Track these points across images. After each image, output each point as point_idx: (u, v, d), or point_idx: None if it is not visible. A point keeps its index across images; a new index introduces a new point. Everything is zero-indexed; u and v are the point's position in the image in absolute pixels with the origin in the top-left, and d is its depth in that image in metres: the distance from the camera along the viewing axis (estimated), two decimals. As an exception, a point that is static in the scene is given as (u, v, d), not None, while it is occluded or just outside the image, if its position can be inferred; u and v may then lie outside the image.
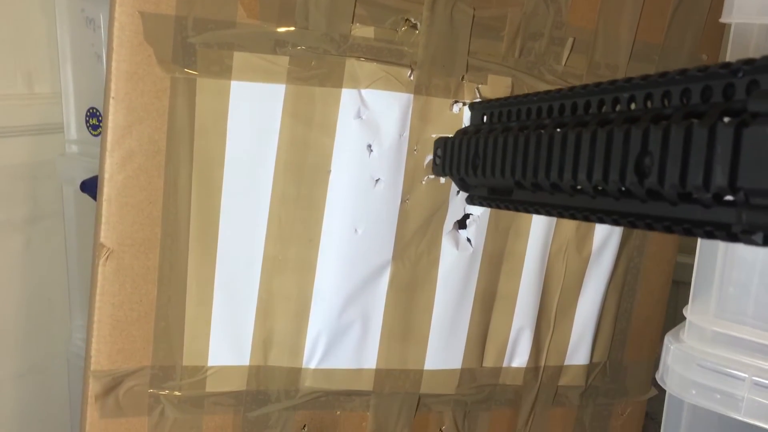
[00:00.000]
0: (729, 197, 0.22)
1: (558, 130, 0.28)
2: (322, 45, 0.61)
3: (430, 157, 0.66)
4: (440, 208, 0.68)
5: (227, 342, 0.64)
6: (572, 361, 0.79)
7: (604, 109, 0.28)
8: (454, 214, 0.69)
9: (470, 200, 0.36)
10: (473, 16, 0.66)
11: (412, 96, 0.65)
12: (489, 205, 0.36)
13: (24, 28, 0.88)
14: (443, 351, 0.72)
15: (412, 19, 0.64)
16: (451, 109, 0.66)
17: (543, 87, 0.70)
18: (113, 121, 0.57)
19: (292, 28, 0.61)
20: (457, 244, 0.69)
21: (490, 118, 0.34)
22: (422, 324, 0.70)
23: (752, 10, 0.59)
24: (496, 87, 0.68)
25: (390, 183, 0.65)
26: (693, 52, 0.77)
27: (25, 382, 0.94)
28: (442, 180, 0.67)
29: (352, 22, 0.62)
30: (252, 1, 0.59)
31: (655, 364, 0.72)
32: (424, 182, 0.67)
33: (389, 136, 0.64)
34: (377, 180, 0.65)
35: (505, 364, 0.76)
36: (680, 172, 0.23)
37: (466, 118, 0.66)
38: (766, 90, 0.21)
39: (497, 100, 0.34)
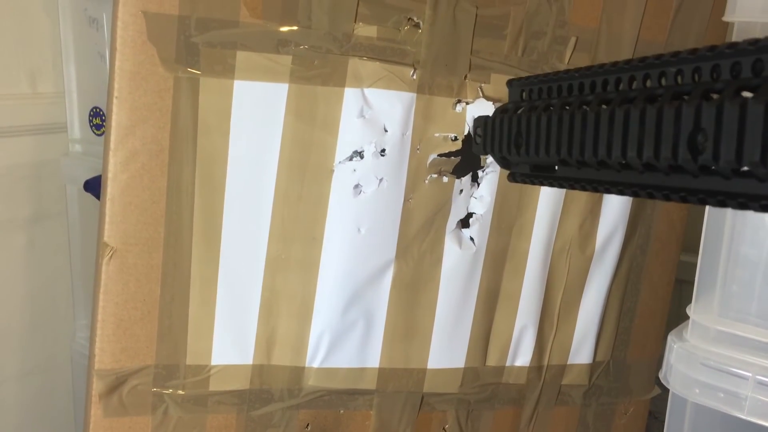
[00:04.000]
0: None
1: (604, 107, 0.27)
2: (325, 44, 0.61)
3: (433, 156, 0.66)
4: (443, 207, 0.68)
5: (231, 341, 0.64)
6: (575, 360, 0.79)
7: (648, 83, 0.28)
8: (457, 213, 0.69)
9: (512, 177, 0.35)
10: (476, 15, 0.66)
11: (415, 95, 0.65)
12: (532, 182, 0.35)
13: (27, 27, 0.88)
14: (446, 350, 0.72)
15: (415, 18, 0.64)
16: (454, 108, 0.66)
17: (546, 86, 0.70)
18: (116, 120, 0.57)
19: (295, 28, 0.61)
20: (460, 242, 0.69)
21: (529, 95, 0.34)
22: (425, 323, 0.70)
23: (754, 9, 0.59)
24: (499, 86, 0.68)
25: (393, 182, 0.65)
26: (696, 51, 0.77)
27: (30, 381, 0.94)
28: (445, 178, 0.67)
29: (355, 21, 0.62)
30: (255, 0, 0.59)
31: (659, 363, 0.72)
32: (426, 181, 0.67)
33: (392, 135, 0.64)
34: (380, 179, 0.65)
35: (508, 363, 0.76)
36: (736, 149, 0.22)
37: (468, 117, 0.66)
38: None
39: (536, 76, 0.33)
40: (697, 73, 0.26)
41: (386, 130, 0.64)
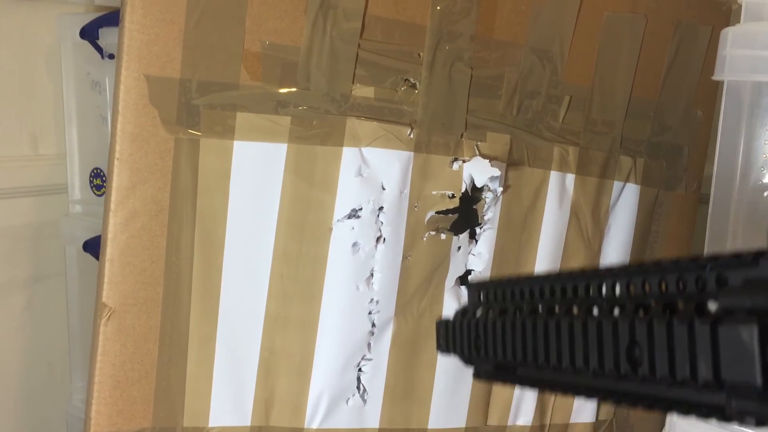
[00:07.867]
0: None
1: (551, 316, 0.30)
2: (324, 105, 0.63)
3: (431, 213, 0.67)
4: (442, 264, 0.68)
5: (229, 401, 0.64)
6: (578, 419, 0.78)
7: (591, 292, 0.30)
8: (455, 270, 0.69)
9: (477, 375, 0.38)
10: (471, 76, 0.67)
11: (412, 154, 0.65)
12: (496, 381, 0.38)
13: (30, 90, 0.90)
14: (447, 409, 0.71)
15: (411, 79, 0.65)
16: (451, 167, 0.67)
17: (541, 144, 0.71)
18: (117, 181, 0.58)
19: (294, 89, 0.62)
20: (459, 299, 0.69)
21: (486, 297, 0.37)
22: (425, 382, 0.70)
23: (743, 68, 0.60)
24: (495, 144, 0.69)
25: (391, 240, 0.65)
26: (688, 108, 0.79)
27: (23, 445, 0.92)
28: (443, 235, 0.67)
29: (353, 83, 0.63)
30: (254, 63, 0.61)
31: (662, 421, 0.71)
32: (425, 239, 0.67)
33: (390, 193, 0.65)
34: (378, 237, 0.65)
35: (509, 423, 0.75)
36: (668, 365, 0.24)
37: (465, 174, 0.67)
38: (733, 287, 0.23)
39: (492, 280, 0.36)
40: (633, 284, 0.28)
41: (384, 188, 0.65)
